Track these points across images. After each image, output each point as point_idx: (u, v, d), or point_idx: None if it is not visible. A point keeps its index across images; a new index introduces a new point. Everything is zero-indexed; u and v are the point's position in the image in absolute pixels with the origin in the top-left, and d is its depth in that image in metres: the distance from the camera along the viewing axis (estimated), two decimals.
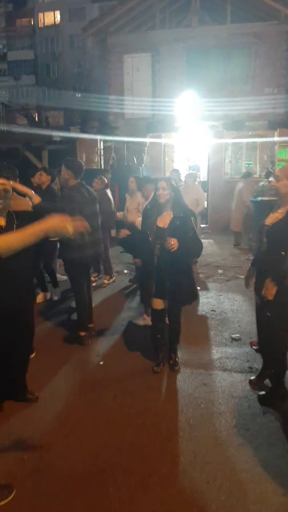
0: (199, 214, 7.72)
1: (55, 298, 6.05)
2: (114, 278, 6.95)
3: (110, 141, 12.99)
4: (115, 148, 13.38)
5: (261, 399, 3.42)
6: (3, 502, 2.43)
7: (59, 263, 6.42)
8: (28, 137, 11.13)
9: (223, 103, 11.28)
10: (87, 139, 12.69)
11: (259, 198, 9.15)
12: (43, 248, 5.31)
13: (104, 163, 13.19)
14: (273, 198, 3.51)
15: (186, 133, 12.30)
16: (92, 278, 6.26)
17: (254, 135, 12.25)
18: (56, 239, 4.66)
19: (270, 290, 3.10)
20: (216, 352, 4.40)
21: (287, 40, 11.83)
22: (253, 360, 4.17)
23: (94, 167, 12.34)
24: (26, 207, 3.40)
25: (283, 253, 3.08)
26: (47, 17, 37.24)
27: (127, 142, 12.96)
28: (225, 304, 5.87)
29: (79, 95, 31.21)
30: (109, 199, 6.60)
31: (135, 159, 13.40)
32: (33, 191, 3.44)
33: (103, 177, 6.80)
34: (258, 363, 3.97)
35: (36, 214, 3.20)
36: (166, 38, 12.44)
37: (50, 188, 5.72)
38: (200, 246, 3.91)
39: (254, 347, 4.39)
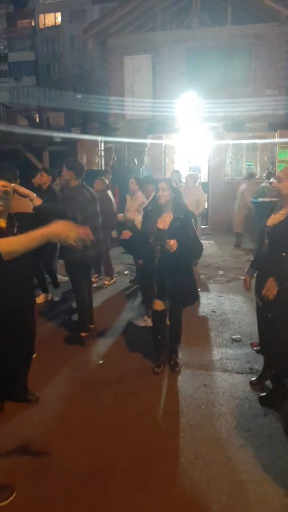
0: (200, 215, 7.74)
1: (56, 298, 6.06)
2: (114, 279, 6.96)
3: (111, 142, 12.99)
4: (115, 149, 13.39)
5: (262, 400, 3.42)
6: (4, 503, 2.43)
7: (60, 264, 6.43)
8: (29, 138, 11.12)
9: (223, 105, 11.29)
10: (87, 140, 12.70)
11: (259, 199, 9.16)
12: (43, 248, 5.31)
13: (104, 164, 13.20)
14: (274, 199, 3.52)
15: (187, 134, 12.31)
16: (93, 279, 6.27)
17: (254, 137, 12.26)
18: None
19: (272, 290, 3.10)
20: (217, 353, 4.40)
21: None
22: (253, 361, 4.17)
23: (95, 168, 12.35)
24: (27, 209, 3.40)
25: (285, 254, 3.08)
26: (47, 18, 37.29)
27: (128, 143, 12.97)
28: (225, 305, 5.87)
29: (80, 96, 31.25)
30: (111, 200, 6.61)
31: (135, 160, 13.41)
32: (34, 194, 3.45)
33: (104, 178, 6.80)
34: (258, 364, 3.98)
35: (37, 216, 3.21)
36: (166, 40, 12.45)
37: (51, 188, 5.74)
38: (200, 247, 3.91)
39: (254, 348, 4.39)
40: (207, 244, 9.78)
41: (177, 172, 9.11)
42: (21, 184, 3.73)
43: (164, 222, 3.73)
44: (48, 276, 5.99)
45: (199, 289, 5.31)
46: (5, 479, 2.60)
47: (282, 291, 3.10)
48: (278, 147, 11.77)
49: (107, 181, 6.80)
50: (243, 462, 2.78)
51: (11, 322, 3.06)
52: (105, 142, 13.11)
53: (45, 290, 6.00)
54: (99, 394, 3.61)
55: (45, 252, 5.55)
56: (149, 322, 4.69)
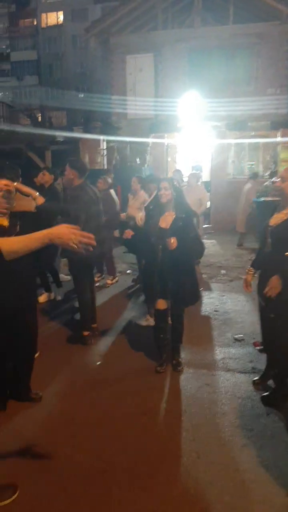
0: (202, 214, 7.72)
1: (59, 298, 6.06)
2: (117, 278, 6.96)
3: (113, 141, 12.99)
4: (118, 148, 13.39)
5: (264, 400, 3.42)
6: (7, 501, 2.44)
7: (63, 263, 6.43)
8: (31, 137, 11.14)
9: (225, 104, 11.27)
10: (90, 139, 12.71)
11: (262, 199, 9.15)
12: (44, 248, 5.31)
13: (107, 163, 13.20)
14: (276, 198, 3.51)
15: (189, 133, 12.29)
16: (96, 278, 6.27)
17: (256, 136, 12.24)
18: None
19: (276, 288, 3.09)
20: (219, 353, 4.39)
21: None
22: (256, 361, 4.16)
23: (97, 168, 12.35)
24: (29, 208, 3.40)
25: (287, 254, 3.07)
26: (50, 17, 37.27)
27: (130, 143, 12.97)
28: (228, 304, 5.87)
29: (82, 96, 31.25)
30: (113, 199, 6.60)
31: (138, 159, 13.40)
32: (37, 192, 3.45)
33: (106, 177, 6.80)
34: (261, 364, 3.97)
35: (39, 215, 3.21)
36: (168, 39, 12.44)
37: (53, 187, 5.74)
38: (202, 246, 3.91)
39: (257, 347, 4.38)
40: (209, 243, 9.77)
41: (179, 171, 9.10)
42: (23, 183, 3.73)
43: (166, 221, 3.72)
44: (50, 275, 5.99)
45: (201, 289, 5.32)
46: (8, 478, 2.60)
47: (285, 290, 3.09)
48: (280, 146, 11.75)
49: (110, 180, 6.80)
50: (246, 462, 2.78)
51: (13, 322, 3.06)
52: (107, 141, 13.11)
53: (48, 289, 6.01)
54: (101, 393, 3.61)
55: (46, 252, 5.54)
56: (151, 321, 4.69)
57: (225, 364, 4.13)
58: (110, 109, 13.10)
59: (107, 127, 12.92)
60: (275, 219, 3.25)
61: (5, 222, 2.95)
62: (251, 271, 3.56)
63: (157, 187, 3.80)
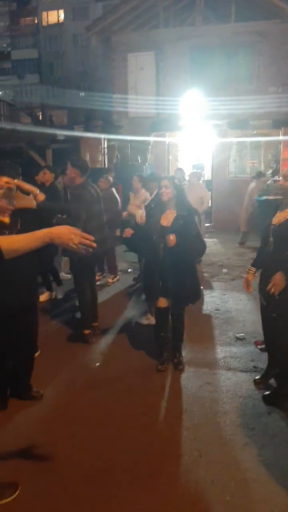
0: (203, 213, 7.72)
1: (59, 296, 6.05)
2: (118, 277, 6.95)
3: (114, 140, 12.97)
4: (119, 147, 13.37)
5: (266, 399, 3.41)
6: (8, 499, 2.43)
7: (64, 262, 6.43)
8: (32, 136, 11.11)
9: (227, 102, 11.24)
10: (91, 138, 12.67)
11: (263, 197, 9.13)
12: (44, 247, 5.30)
13: (108, 162, 13.18)
14: (279, 197, 3.49)
15: (190, 132, 12.27)
16: (97, 277, 6.26)
17: (258, 134, 12.21)
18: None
19: (279, 285, 3.06)
20: (221, 351, 4.38)
21: None
22: (257, 360, 4.15)
23: (98, 166, 12.33)
24: (30, 205, 3.39)
25: None
26: (51, 16, 37.22)
27: (131, 141, 12.94)
28: (229, 303, 5.86)
29: (83, 94, 31.20)
30: (116, 198, 6.59)
31: (139, 158, 13.38)
32: (38, 189, 3.44)
33: (108, 176, 6.79)
34: (262, 363, 3.96)
35: (40, 213, 3.20)
36: (170, 37, 12.40)
37: (54, 185, 5.72)
38: (203, 245, 3.89)
39: (258, 346, 4.38)
40: (211, 242, 9.76)
41: (181, 169, 9.11)
42: (24, 181, 3.72)
43: (167, 219, 3.72)
44: (50, 273, 5.98)
45: (203, 287, 5.30)
46: (9, 477, 2.60)
47: (287, 289, 3.08)
48: (282, 144, 11.71)
49: (111, 179, 6.79)
50: (247, 461, 2.77)
51: (14, 320, 3.05)
52: (109, 140, 13.09)
53: (49, 288, 6.00)
54: (102, 392, 3.61)
55: (46, 250, 5.52)
56: (152, 320, 4.69)
57: (226, 363, 4.12)
58: (111, 108, 13.07)
59: (108, 125, 12.89)
60: (278, 218, 3.24)
61: (6, 219, 2.94)
62: (252, 270, 3.54)
63: (158, 185, 3.79)
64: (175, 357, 4.03)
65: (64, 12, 36.53)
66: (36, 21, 37.81)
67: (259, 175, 10.07)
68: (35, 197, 3.33)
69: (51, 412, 3.33)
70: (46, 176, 5.63)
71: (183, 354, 4.12)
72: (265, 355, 3.92)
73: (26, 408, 3.35)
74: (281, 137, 11.68)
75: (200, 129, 12.06)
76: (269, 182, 10.16)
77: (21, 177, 4.14)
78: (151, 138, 12.63)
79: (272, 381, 3.60)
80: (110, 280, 6.78)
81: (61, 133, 12.03)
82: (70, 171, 4.38)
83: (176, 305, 3.91)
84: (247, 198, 9.72)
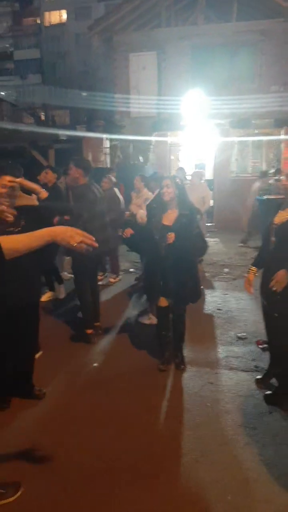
0: (205, 212, 7.71)
1: (61, 296, 6.06)
2: (120, 276, 6.96)
3: (116, 139, 12.98)
4: (121, 146, 13.37)
5: (267, 398, 3.41)
6: (11, 499, 2.44)
7: (67, 261, 6.43)
8: (34, 136, 11.13)
9: (229, 101, 11.23)
10: (93, 138, 12.69)
11: (265, 197, 9.11)
12: (46, 246, 5.31)
13: (110, 162, 13.19)
14: (280, 196, 3.49)
15: (192, 131, 12.26)
16: (99, 277, 6.27)
17: (260, 133, 12.19)
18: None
19: (281, 282, 3.06)
20: (222, 351, 4.38)
21: None
22: (259, 359, 4.15)
23: (100, 166, 12.34)
24: (32, 203, 3.41)
25: None
26: (53, 16, 37.24)
27: (133, 141, 12.94)
28: (231, 303, 5.85)
29: (85, 94, 31.20)
30: (118, 198, 6.60)
31: (140, 157, 13.38)
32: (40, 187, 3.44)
33: (111, 176, 6.80)
34: (264, 362, 3.96)
35: (42, 211, 3.22)
36: (171, 36, 12.40)
37: (56, 186, 5.73)
38: (205, 244, 3.89)
39: (260, 346, 4.37)
40: (212, 242, 9.76)
41: (182, 169, 9.10)
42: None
43: (169, 218, 3.72)
44: (51, 273, 5.99)
45: (204, 287, 5.30)
46: (12, 476, 2.61)
47: None
48: (284, 143, 11.70)
49: (114, 179, 6.80)
50: (248, 460, 2.77)
51: (15, 320, 3.06)
52: (111, 140, 13.10)
53: (52, 289, 6.01)
54: (103, 392, 3.62)
55: (47, 250, 5.52)
56: (154, 320, 4.69)
57: (228, 363, 4.12)
58: (113, 108, 13.07)
59: (110, 125, 12.90)
60: (280, 217, 3.22)
61: (10, 217, 2.96)
62: (253, 270, 3.53)
63: (160, 185, 3.79)
64: (176, 357, 4.03)
65: (66, 12, 36.54)
66: (38, 21, 37.84)
67: (264, 174, 10.04)
68: (38, 194, 3.33)
69: (52, 412, 3.34)
70: (48, 176, 5.64)
71: (184, 354, 4.12)
72: (266, 355, 3.92)
73: (27, 407, 3.36)
74: (283, 136, 11.67)
75: (202, 128, 12.04)
76: (271, 181, 10.14)
77: (23, 177, 4.15)
78: (153, 138, 12.63)
79: (273, 380, 3.59)
80: (112, 280, 6.78)
81: (64, 133, 12.03)
82: (74, 171, 4.39)
83: (176, 304, 3.91)
84: (251, 198, 9.69)
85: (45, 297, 5.88)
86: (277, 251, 3.21)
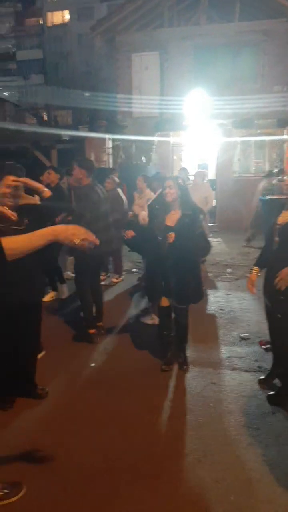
0: (208, 212, 7.71)
1: (63, 296, 6.07)
2: (123, 276, 6.96)
3: (119, 140, 12.98)
4: (123, 147, 13.38)
5: (270, 399, 3.40)
6: (14, 499, 2.44)
7: (70, 261, 6.44)
8: (37, 136, 11.17)
9: (232, 101, 11.22)
10: (95, 138, 12.70)
11: (268, 197, 9.08)
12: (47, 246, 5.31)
13: (112, 162, 13.20)
14: (284, 197, 3.48)
15: (195, 131, 12.25)
16: (101, 277, 6.27)
17: (263, 133, 12.17)
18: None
19: (286, 280, 3.05)
20: (225, 351, 4.38)
21: None
22: (262, 360, 4.14)
23: (103, 166, 12.35)
24: (34, 202, 3.42)
25: None
26: (55, 16, 37.31)
27: (135, 141, 12.94)
28: (234, 303, 5.85)
29: (87, 94, 31.21)
30: (122, 198, 6.60)
31: (143, 158, 13.38)
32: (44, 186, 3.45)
33: (114, 177, 6.80)
34: (267, 363, 3.95)
35: (45, 209, 3.22)
36: (174, 36, 12.40)
37: (59, 186, 5.74)
38: (208, 244, 3.88)
39: (263, 346, 4.37)
40: (215, 242, 9.74)
41: (185, 169, 9.08)
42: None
43: (171, 219, 3.71)
44: (53, 273, 5.99)
45: (207, 287, 5.29)
46: (15, 476, 2.61)
47: None
48: (286, 143, 11.67)
49: (117, 180, 6.80)
50: (251, 461, 2.77)
51: (17, 320, 3.06)
52: (113, 140, 13.10)
53: (55, 289, 6.02)
54: (105, 392, 3.62)
55: (49, 249, 5.53)
56: (156, 320, 4.69)
57: (231, 363, 4.12)
58: (115, 108, 13.08)
59: (113, 125, 12.91)
60: (283, 218, 3.22)
61: (13, 216, 2.96)
62: (255, 270, 3.52)
63: (162, 186, 3.79)
64: (179, 357, 4.03)
65: (69, 12, 36.60)
66: (41, 22, 37.83)
67: (270, 174, 10.02)
68: (41, 193, 3.33)
69: (53, 412, 3.34)
70: (51, 176, 5.64)
71: (187, 354, 4.12)
72: (269, 355, 3.91)
73: (28, 407, 3.36)
74: (285, 136, 11.65)
75: (204, 128, 12.03)
76: (274, 181, 10.11)
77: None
78: (155, 138, 12.63)
79: (276, 381, 3.59)
80: (114, 280, 6.79)
81: (66, 133, 12.06)
82: (77, 172, 4.39)
83: (178, 304, 3.91)
84: (256, 198, 9.66)
85: (48, 297, 5.89)
86: (280, 251, 3.20)
